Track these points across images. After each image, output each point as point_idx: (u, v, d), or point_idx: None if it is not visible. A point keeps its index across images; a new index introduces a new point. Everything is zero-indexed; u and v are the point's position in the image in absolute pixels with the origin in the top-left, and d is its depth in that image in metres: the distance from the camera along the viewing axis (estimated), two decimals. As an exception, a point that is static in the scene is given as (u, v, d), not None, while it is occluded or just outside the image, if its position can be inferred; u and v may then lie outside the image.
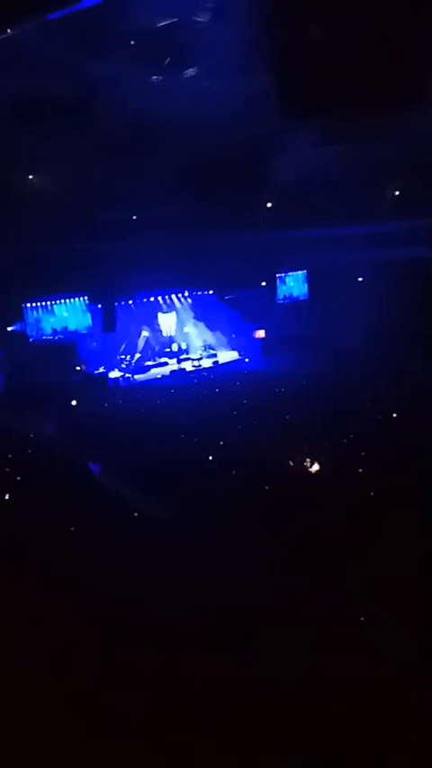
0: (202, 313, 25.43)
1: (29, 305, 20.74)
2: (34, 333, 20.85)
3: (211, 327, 25.63)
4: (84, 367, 21.28)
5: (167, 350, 24.63)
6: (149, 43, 13.74)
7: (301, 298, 25.64)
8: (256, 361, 24.28)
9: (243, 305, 24.27)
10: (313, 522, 9.44)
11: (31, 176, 18.47)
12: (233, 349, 25.65)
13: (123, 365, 22.90)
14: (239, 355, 25.25)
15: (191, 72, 15.10)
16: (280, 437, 14.11)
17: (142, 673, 6.31)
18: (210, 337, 25.57)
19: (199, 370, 23.43)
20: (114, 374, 22.28)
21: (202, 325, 25.51)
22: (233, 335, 25.66)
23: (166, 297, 24.50)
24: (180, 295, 24.78)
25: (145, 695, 6.04)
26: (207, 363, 24.15)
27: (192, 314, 25.35)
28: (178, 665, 6.33)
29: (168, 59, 14.54)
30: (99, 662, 6.53)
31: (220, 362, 24.48)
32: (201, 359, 24.28)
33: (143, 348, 23.99)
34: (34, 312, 21.00)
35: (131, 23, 13.03)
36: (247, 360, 24.65)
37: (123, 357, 23.17)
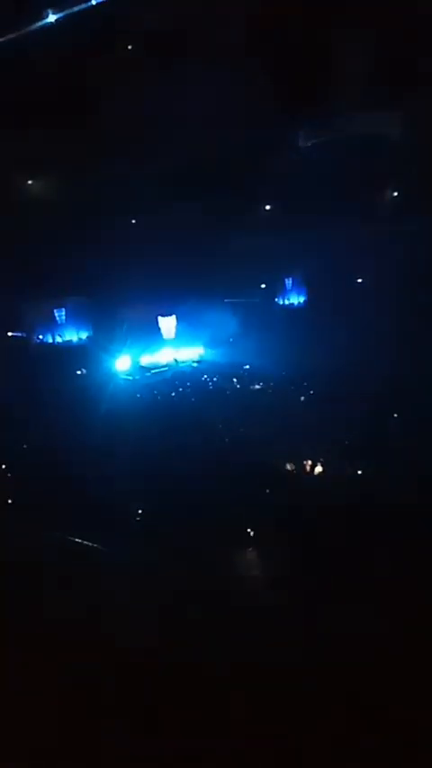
0: (202, 317, 25.37)
1: (31, 309, 20.81)
2: (36, 337, 20.92)
3: (209, 332, 25.56)
4: (85, 370, 21.31)
5: (167, 351, 24.58)
6: (152, 47, 13.83)
7: (301, 300, 25.63)
8: (256, 363, 24.23)
9: (243, 308, 24.26)
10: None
11: (30, 181, 18.54)
12: (232, 352, 25.57)
13: (124, 366, 22.86)
14: (238, 358, 25.17)
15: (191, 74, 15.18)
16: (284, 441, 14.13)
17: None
18: (209, 340, 25.53)
19: (199, 371, 23.41)
20: (115, 375, 22.25)
21: (201, 328, 25.45)
22: (231, 339, 25.59)
23: (167, 300, 24.47)
24: (182, 298, 24.73)
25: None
26: (207, 365, 24.11)
27: (192, 317, 25.31)
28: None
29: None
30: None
31: (220, 364, 24.42)
32: (200, 361, 24.24)
33: (144, 349, 23.97)
34: (36, 316, 21.07)
35: (133, 29, 13.13)
36: (246, 366, 24.57)
37: (124, 358, 23.13)
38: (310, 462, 12.94)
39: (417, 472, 11.33)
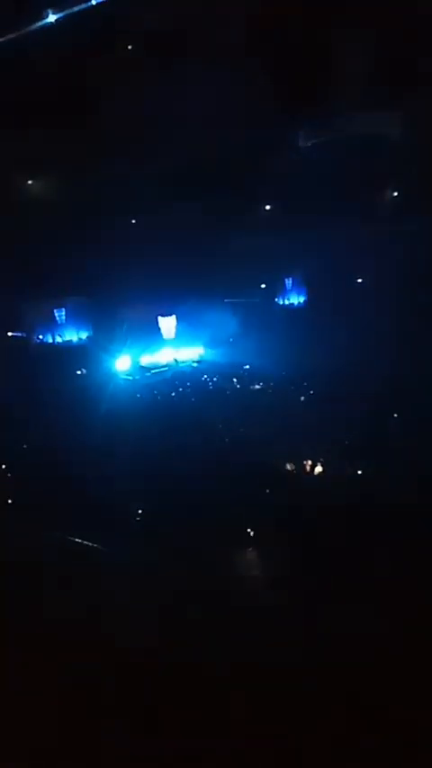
0: (202, 317, 25.37)
1: (31, 309, 20.83)
2: (36, 337, 20.94)
3: (209, 332, 25.57)
4: (85, 370, 21.31)
5: (167, 351, 24.59)
6: (152, 47, 13.85)
7: (301, 300, 25.63)
8: (256, 363, 24.23)
9: (243, 308, 24.26)
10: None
11: (30, 181, 18.55)
12: (232, 352, 25.57)
13: (124, 366, 22.87)
14: (238, 358, 25.17)
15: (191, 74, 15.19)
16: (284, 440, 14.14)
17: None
18: (209, 340, 25.53)
19: (199, 371, 23.41)
20: (115, 375, 22.26)
21: (201, 328, 25.45)
22: (231, 339, 25.59)
23: (167, 300, 24.47)
24: (182, 298, 24.74)
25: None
26: (207, 365, 24.11)
27: (192, 317, 25.32)
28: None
29: None
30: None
31: (220, 364, 24.42)
32: (200, 361, 24.25)
33: (144, 349, 23.98)
34: (36, 316, 21.09)
35: (133, 29, 13.15)
36: (246, 366, 24.57)
37: (124, 358, 23.14)
38: (310, 462, 12.94)
39: (417, 472, 11.33)
